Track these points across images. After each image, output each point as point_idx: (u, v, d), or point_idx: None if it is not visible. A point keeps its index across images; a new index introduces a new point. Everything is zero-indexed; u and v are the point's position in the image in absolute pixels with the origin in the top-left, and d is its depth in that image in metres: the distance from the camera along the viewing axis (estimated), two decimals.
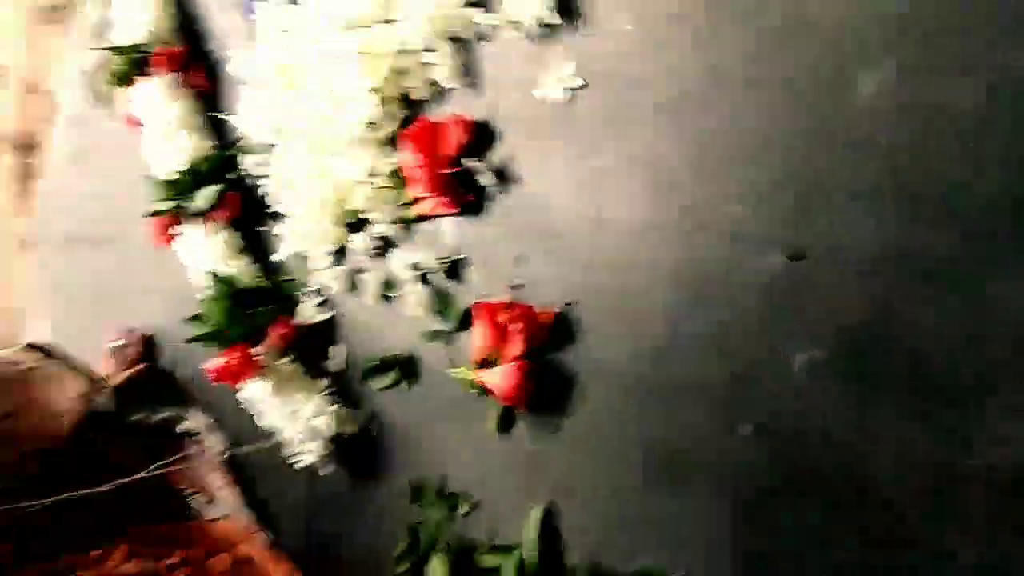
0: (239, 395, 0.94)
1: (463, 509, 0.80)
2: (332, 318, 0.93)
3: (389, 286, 0.86)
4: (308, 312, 0.93)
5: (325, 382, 0.90)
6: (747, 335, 0.61)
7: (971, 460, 0.52)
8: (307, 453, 0.90)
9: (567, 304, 0.72)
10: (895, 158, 0.54)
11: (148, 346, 1.14)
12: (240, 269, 0.99)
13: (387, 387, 0.87)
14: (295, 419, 0.91)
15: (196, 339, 0.94)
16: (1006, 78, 0.50)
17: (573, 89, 0.70)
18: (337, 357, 0.92)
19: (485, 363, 0.76)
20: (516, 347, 0.73)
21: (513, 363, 0.72)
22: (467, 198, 0.78)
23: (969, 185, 0.51)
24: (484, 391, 0.77)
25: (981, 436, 0.51)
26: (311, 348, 0.94)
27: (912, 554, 0.54)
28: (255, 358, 0.91)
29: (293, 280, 0.96)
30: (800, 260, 0.58)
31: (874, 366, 0.55)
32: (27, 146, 1.34)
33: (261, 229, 0.97)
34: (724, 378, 0.63)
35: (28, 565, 0.82)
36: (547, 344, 0.73)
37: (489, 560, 0.76)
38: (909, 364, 0.54)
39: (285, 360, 0.93)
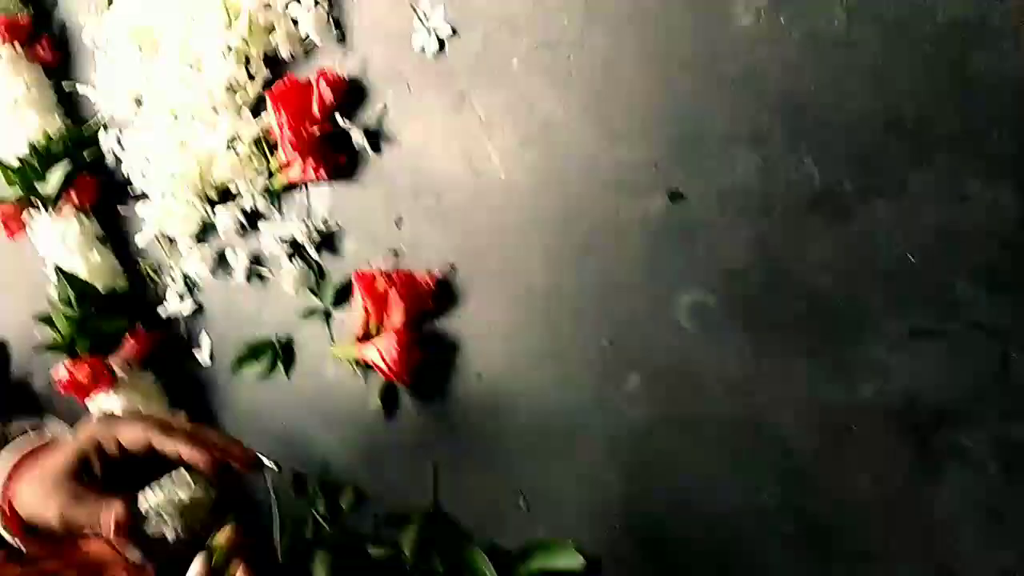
0: (90, 408, 0.87)
1: (346, 499, 0.75)
2: (199, 310, 0.86)
3: (259, 263, 0.80)
4: (172, 305, 0.86)
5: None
6: (632, 285, 0.58)
7: (860, 394, 0.50)
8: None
9: (449, 267, 0.68)
10: (773, 90, 0.52)
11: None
12: (96, 262, 0.91)
13: (261, 375, 0.81)
14: None
15: (42, 349, 0.87)
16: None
17: (444, 38, 0.67)
18: (203, 350, 0.87)
19: (367, 337, 0.72)
20: (397, 316, 0.69)
21: (394, 333, 0.68)
22: (339, 160, 0.73)
23: (844, 111, 0.50)
24: (367, 368, 0.73)
25: (866, 369, 0.50)
26: (176, 352, 0.88)
27: (809, 492, 0.52)
28: (107, 371, 0.84)
29: (156, 270, 0.89)
30: (680, 200, 0.56)
31: (761, 305, 0.54)
32: None
33: (123, 214, 0.90)
34: (610, 332, 0.60)
35: None
36: (431, 311, 0.69)
37: (376, 552, 0.71)
38: (795, 301, 0.52)
39: (141, 372, 0.86)
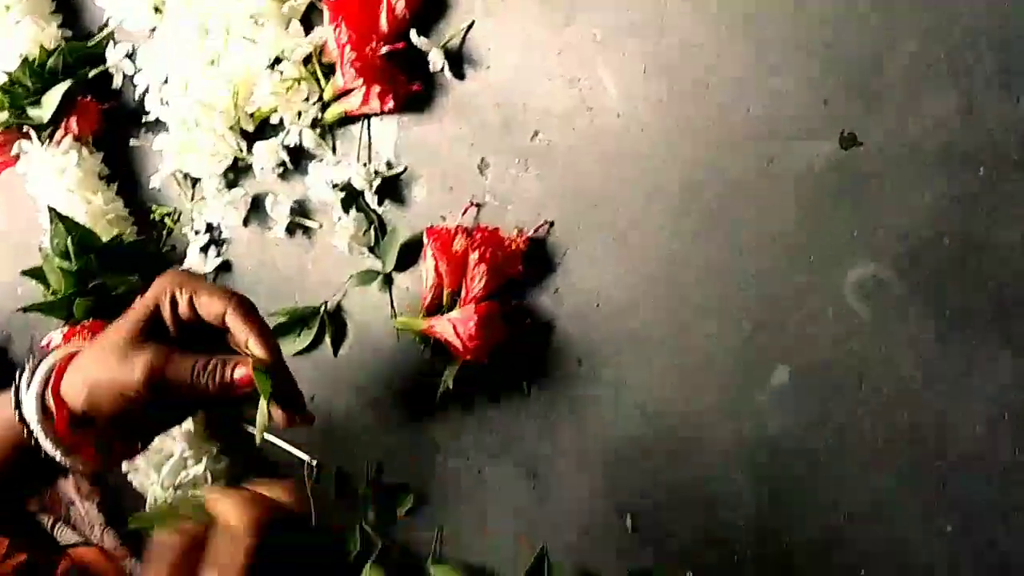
0: None
1: (403, 506, 0.78)
2: (226, 269, 0.90)
3: (305, 214, 0.84)
4: (193, 258, 0.90)
5: None
6: (786, 254, 0.60)
7: None
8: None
9: (545, 225, 0.71)
10: (979, 9, 0.53)
11: None
12: (99, 205, 0.95)
13: (302, 351, 0.84)
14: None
15: (30, 308, 0.91)
16: None
17: None
18: None
19: (437, 308, 0.74)
20: (478, 284, 0.71)
21: (474, 305, 0.70)
22: (411, 88, 0.76)
23: None
24: (437, 346, 0.75)
25: None
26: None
27: (1006, 523, 0.53)
28: None
29: (174, 218, 0.93)
30: (855, 147, 0.57)
31: (953, 284, 0.55)
32: None
33: (134, 145, 0.94)
34: (754, 313, 0.61)
35: None
36: (520, 279, 0.72)
37: (439, 573, 0.74)
38: (996, 281, 0.53)
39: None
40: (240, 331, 0.59)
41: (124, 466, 0.92)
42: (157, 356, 0.58)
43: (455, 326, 0.71)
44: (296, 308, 0.84)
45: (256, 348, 0.59)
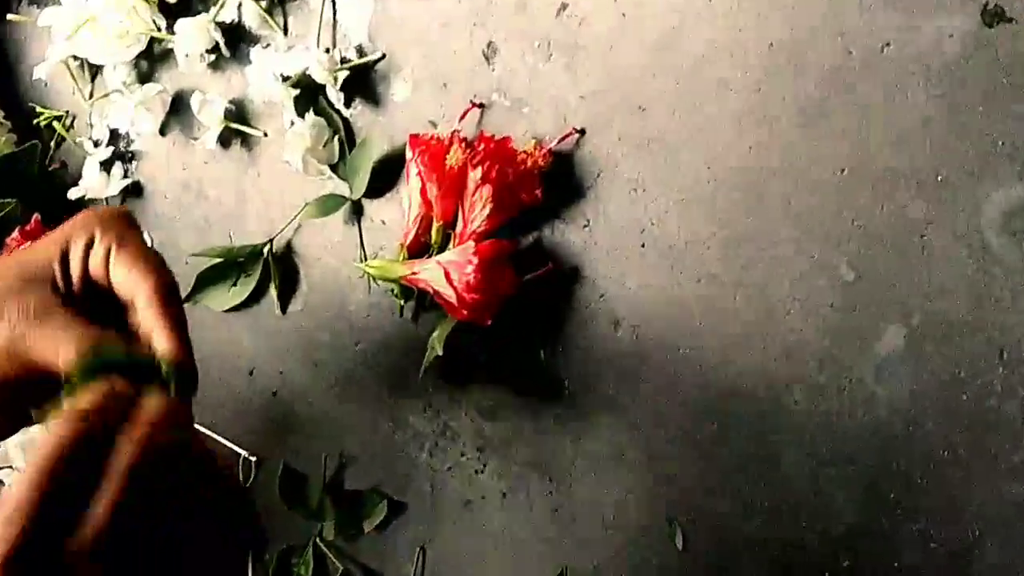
0: None
1: (373, 517, 0.79)
2: (135, 192, 0.90)
3: (244, 119, 0.83)
4: (91, 178, 0.90)
5: None
6: (905, 168, 0.59)
7: None
8: None
9: (574, 133, 0.70)
10: None
11: None
12: None
13: (237, 307, 0.85)
14: None
15: None
16: None
17: None
18: None
19: (424, 249, 0.74)
20: (480, 214, 0.71)
21: (474, 243, 0.70)
22: None
23: None
24: (422, 300, 0.76)
25: None
26: None
27: None
28: None
29: (65, 123, 0.92)
30: (1003, 23, 0.56)
31: None
32: None
33: (13, 21, 0.94)
34: (857, 256, 0.61)
35: None
36: (538, 207, 0.71)
37: None
38: None
39: None
40: (149, 320, 0.59)
41: None
42: (27, 316, 0.58)
43: (448, 272, 0.70)
44: (231, 248, 0.84)
45: (164, 343, 0.58)
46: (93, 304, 0.60)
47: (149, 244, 0.63)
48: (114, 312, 0.61)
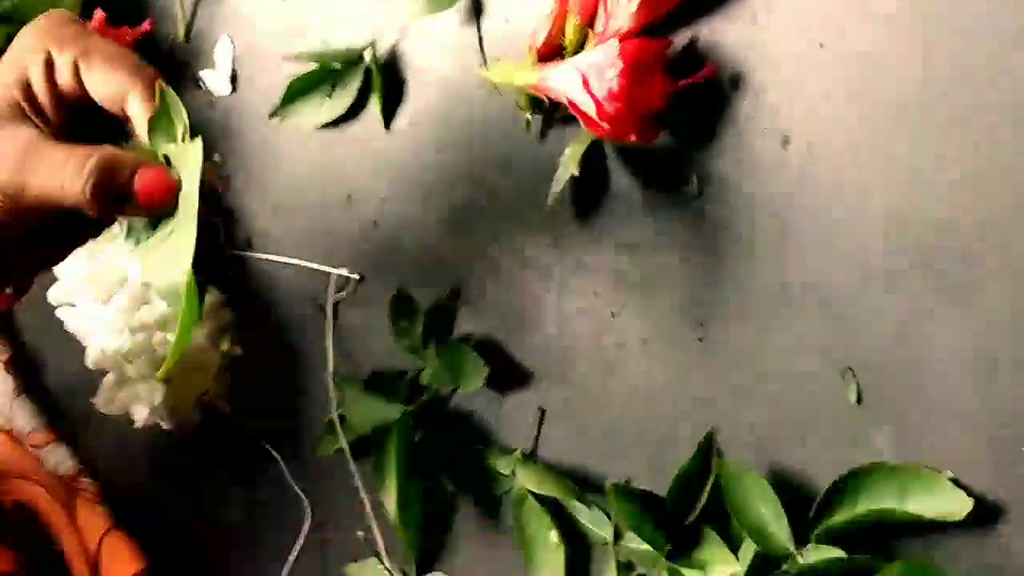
0: None
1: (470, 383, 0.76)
2: None
3: None
4: None
5: None
6: None
7: None
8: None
9: None
10: None
11: None
12: None
13: (331, 123, 0.83)
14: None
15: None
16: None
17: None
18: (219, 69, 0.90)
19: (556, 51, 0.70)
20: (628, 6, 0.65)
21: (618, 42, 0.64)
22: None
23: None
24: (554, 112, 0.72)
25: None
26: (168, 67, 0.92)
27: None
28: None
29: None
30: None
31: None
32: None
33: None
34: None
35: None
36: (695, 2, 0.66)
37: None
38: None
39: None
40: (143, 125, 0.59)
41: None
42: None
43: (586, 77, 0.65)
44: (323, 52, 0.82)
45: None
46: (73, 123, 0.61)
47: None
48: (97, 124, 0.62)
